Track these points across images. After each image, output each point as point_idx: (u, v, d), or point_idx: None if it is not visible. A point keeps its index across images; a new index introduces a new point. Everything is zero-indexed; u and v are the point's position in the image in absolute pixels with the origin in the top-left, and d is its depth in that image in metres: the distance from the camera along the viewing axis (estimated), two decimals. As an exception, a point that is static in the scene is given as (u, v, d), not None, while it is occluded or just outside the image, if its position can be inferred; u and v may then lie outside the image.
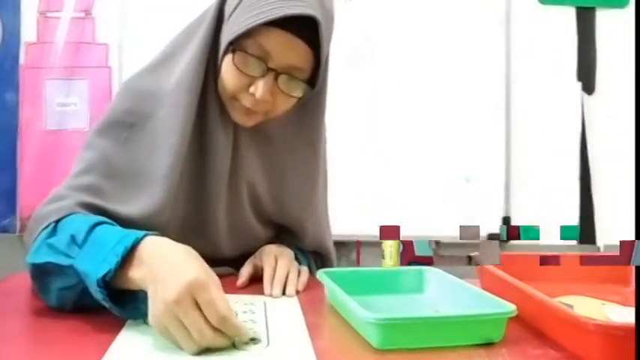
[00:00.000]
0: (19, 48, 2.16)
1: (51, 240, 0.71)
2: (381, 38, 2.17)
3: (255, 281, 0.87)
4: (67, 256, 0.68)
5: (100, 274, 0.63)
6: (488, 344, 0.63)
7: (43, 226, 0.75)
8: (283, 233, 0.99)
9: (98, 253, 0.65)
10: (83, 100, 2.18)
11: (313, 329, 0.67)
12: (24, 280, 0.90)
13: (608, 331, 0.58)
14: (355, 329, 0.66)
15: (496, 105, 2.21)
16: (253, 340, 0.62)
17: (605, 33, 2.23)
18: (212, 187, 0.87)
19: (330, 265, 1.03)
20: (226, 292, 0.81)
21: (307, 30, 0.76)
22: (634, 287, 0.87)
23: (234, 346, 0.60)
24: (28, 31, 2.16)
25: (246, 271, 0.88)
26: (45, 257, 0.70)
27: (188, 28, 0.87)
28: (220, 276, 0.66)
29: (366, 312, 0.61)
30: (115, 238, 0.66)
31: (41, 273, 0.71)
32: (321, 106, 0.89)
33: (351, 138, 2.10)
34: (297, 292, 0.83)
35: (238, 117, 0.84)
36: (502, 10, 2.21)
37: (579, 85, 2.25)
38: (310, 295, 0.82)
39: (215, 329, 0.59)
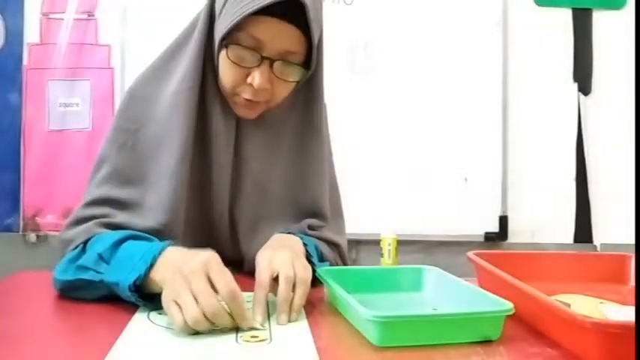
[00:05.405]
0: (22, 49, 2.17)
1: (80, 261, 0.77)
2: (380, 40, 2.17)
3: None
4: (97, 272, 0.75)
5: (131, 280, 0.69)
6: (485, 342, 0.63)
7: (70, 248, 0.81)
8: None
9: (126, 265, 0.71)
10: (85, 101, 2.19)
11: (314, 326, 0.67)
12: (26, 278, 0.91)
13: (605, 330, 0.57)
14: (355, 327, 0.67)
15: (493, 106, 2.21)
16: (255, 337, 0.63)
17: (602, 34, 2.24)
18: (215, 180, 0.88)
19: (345, 259, 0.99)
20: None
21: (296, 14, 0.77)
22: (634, 286, 0.87)
23: (235, 341, 0.61)
24: (31, 33, 2.17)
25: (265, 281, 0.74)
26: (75, 275, 0.76)
27: (184, 31, 0.89)
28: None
29: (365, 310, 0.62)
30: (140, 250, 0.73)
31: (73, 288, 0.77)
32: (319, 88, 0.90)
33: (350, 138, 2.10)
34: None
35: (241, 111, 0.85)
36: (499, 11, 2.21)
37: (576, 85, 2.26)
38: (310, 293, 0.82)
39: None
